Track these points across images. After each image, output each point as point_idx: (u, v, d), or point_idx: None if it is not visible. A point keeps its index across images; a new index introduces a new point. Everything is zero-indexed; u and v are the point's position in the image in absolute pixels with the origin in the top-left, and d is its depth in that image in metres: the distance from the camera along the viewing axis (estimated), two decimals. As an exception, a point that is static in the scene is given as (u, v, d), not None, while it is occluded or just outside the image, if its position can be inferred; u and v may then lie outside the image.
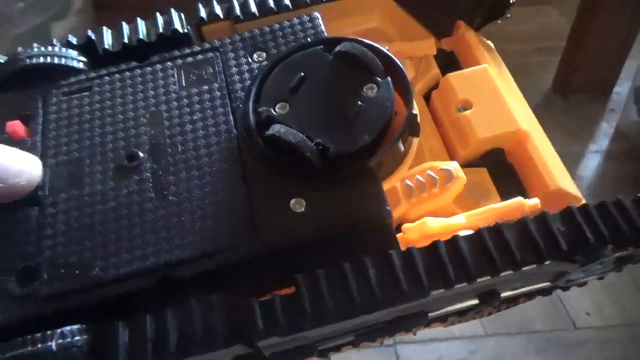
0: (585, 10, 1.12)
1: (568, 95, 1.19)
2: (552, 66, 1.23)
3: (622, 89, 1.17)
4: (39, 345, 0.15)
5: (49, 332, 0.16)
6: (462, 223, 0.19)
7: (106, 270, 0.18)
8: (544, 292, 0.23)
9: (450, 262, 0.16)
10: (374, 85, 0.18)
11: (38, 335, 0.16)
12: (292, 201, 0.18)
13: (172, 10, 0.23)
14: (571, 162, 1.01)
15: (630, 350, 0.72)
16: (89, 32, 0.23)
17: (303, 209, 0.18)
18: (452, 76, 0.22)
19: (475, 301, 0.20)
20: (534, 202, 0.20)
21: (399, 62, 0.19)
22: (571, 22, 1.16)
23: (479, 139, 0.21)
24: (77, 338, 0.16)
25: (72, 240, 0.18)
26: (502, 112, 0.21)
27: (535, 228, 0.17)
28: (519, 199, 0.20)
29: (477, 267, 0.16)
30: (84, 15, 1.32)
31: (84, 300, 0.17)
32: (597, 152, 1.04)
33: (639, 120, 1.06)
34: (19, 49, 0.22)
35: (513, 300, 0.23)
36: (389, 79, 0.19)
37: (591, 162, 1.02)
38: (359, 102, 0.18)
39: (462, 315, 0.22)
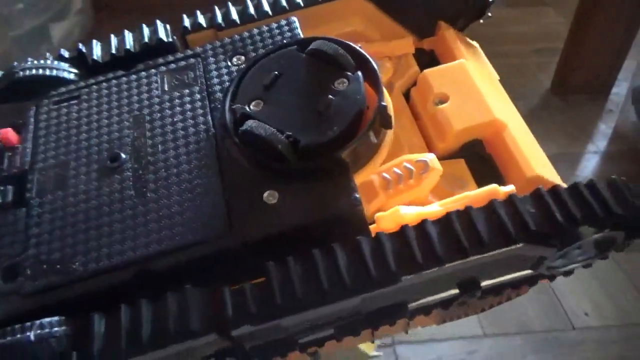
0: (583, 12, 1.12)
1: (566, 96, 1.19)
2: (550, 67, 1.23)
3: (620, 89, 1.17)
4: (18, 336, 0.16)
5: (28, 324, 0.16)
6: (436, 211, 0.19)
7: (86, 264, 0.18)
8: (529, 281, 0.22)
9: (419, 246, 0.16)
10: (345, 80, 0.19)
11: (18, 326, 0.16)
12: (266, 194, 0.18)
13: (158, 21, 0.24)
14: (569, 162, 1.01)
15: (628, 350, 0.72)
16: (80, 45, 0.24)
17: (276, 201, 0.18)
18: (429, 72, 0.22)
19: (455, 290, 0.20)
20: (509, 188, 0.20)
21: (369, 57, 0.19)
22: (569, 23, 1.16)
23: (456, 131, 0.21)
24: (55, 329, 0.16)
25: (56, 238, 0.19)
26: (478, 103, 0.21)
27: (504, 211, 0.17)
28: (494, 186, 0.19)
29: (445, 250, 0.16)
30: (83, 15, 1.32)
31: (65, 295, 0.18)
32: (595, 153, 1.04)
33: (637, 121, 1.06)
34: (15, 63, 0.23)
35: (498, 292, 0.22)
36: (359, 73, 0.19)
37: (589, 163, 1.02)
38: (330, 96, 0.18)
39: (446, 307, 0.21)
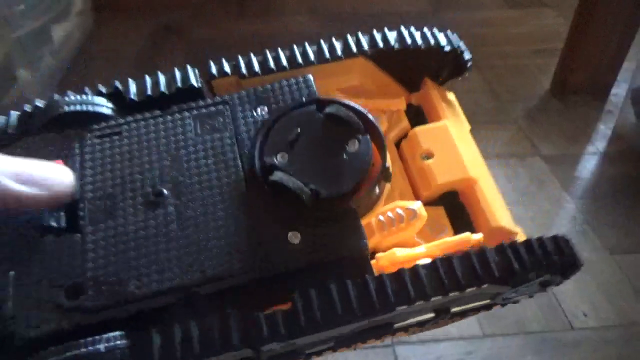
0: (582, 13, 1.12)
1: (565, 97, 1.19)
2: (549, 68, 1.24)
3: (619, 90, 1.17)
4: (90, 348, 0.19)
5: (97, 337, 0.19)
6: (423, 253, 0.24)
7: (140, 288, 0.21)
8: (486, 307, 0.27)
9: (412, 285, 0.21)
10: (356, 141, 0.23)
11: (89, 339, 0.19)
12: (290, 234, 0.22)
13: (188, 66, 0.26)
14: (569, 163, 1.01)
15: (626, 351, 0.72)
16: (117, 83, 0.26)
17: (298, 242, 0.22)
18: (418, 130, 0.27)
19: (431, 315, 0.24)
20: (478, 236, 0.25)
21: (377, 123, 0.23)
22: (569, 23, 1.16)
23: (438, 184, 0.26)
24: (119, 342, 0.20)
25: (111, 263, 0.22)
26: (457, 162, 0.26)
27: (476, 260, 0.22)
28: (467, 234, 0.25)
29: (431, 289, 0.21)
30: (84, 17, 1.32)
31: (122, 313, 0.21)
32: (594, 154, 1.05)
33: (636, 122, 1.06)
34: (55, 96, 0.25)
35: (462, 314, 0.27)
36: (368, 136, 0.23)
37: (589, 164, 1.03)
38: (344, 155, 0.22)
39: (422, 325, 0.26)
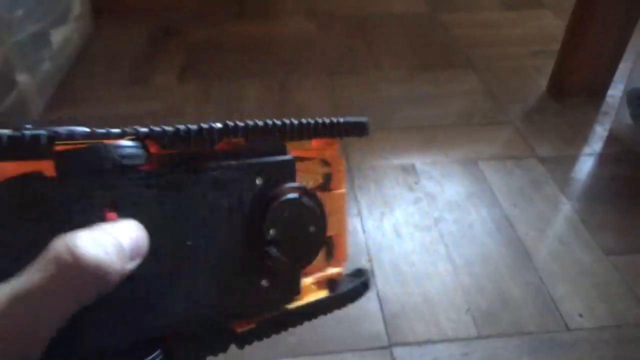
0: (579, 15, 1.13)
1: (562, 99, 1.20)
2: (546, 69, 1.24)
3: (615, 92, 1.17)
4: None
5: (153, 355, 0.26)
6: (314, 281, 0.36)
7: (176, 315, 0.28)
8: None
9: (314, 310, 0.34)
10: (314, 227, 0.33)
11: (149, 358, 0.26)
12: (263, 281, 0.31)
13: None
14: (565, 164, 1.02)
15: (622, 351, 0.73)
16: (138, 128, 0.29)
17: (267, 286, 0.32)
18: (327, 194, 0.37)
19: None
20: (339, 270, 0.37)
21: (326, 215, 0.34)
22: (566, 25, 1.17)
23: (328, 235, 0.36)
24: (160, 357, 0.27)
25: (156, 293, 0.27)
26: (342, 219, 0.38)
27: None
28: (336, 269, 0.37)
29: (318, 313, 0.34)
30: (83, 20, 1.33)
31: (158, 334, 0.27)
32: (591, 155, 1.05)
33: (632, 124, 1.07)
34: (87, 131, 0.26)
35: None
36: (321, 224, 0.33)
37: (585, 165, 1.03)
38: (306, 235, 0.32)
39: None
